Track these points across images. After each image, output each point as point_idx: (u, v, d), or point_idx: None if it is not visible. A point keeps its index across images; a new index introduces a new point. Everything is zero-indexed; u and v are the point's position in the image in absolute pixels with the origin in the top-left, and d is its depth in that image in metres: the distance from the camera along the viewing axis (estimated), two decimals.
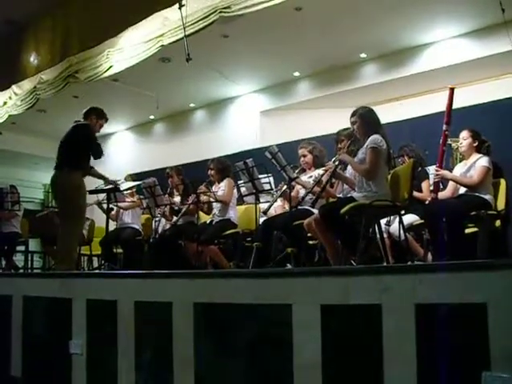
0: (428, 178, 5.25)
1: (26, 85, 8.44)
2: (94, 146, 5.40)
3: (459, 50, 7.52)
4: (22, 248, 8.34)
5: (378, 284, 2.47)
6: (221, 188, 6.13)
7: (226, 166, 6.28)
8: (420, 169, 5.26)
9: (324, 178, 4.52)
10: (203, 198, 6.18)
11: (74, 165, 5.24)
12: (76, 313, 3.85)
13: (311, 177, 5.32)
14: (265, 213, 5.82)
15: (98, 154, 5.42)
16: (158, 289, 3.40)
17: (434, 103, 6.61)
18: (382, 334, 2.38)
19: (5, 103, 8.83)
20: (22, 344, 4.35)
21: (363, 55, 8.26)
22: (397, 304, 2.38)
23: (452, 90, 4.73)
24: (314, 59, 8.38)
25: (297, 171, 5.39)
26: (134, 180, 6.85)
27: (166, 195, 6.60)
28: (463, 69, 7.55)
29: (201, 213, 6.54)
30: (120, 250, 7.27)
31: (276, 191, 5.74)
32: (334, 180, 4.79)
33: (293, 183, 5.33)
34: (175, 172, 6.82)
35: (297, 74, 9.00)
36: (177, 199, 6.69)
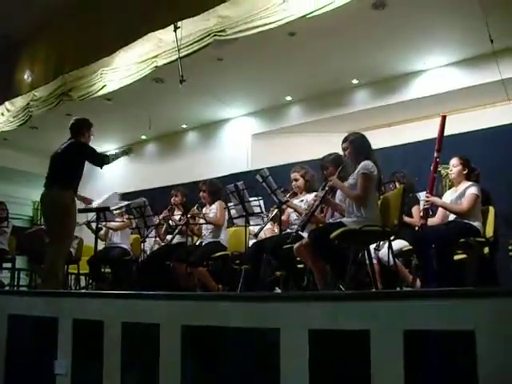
0: (418, 203, 5.28)
1: (19, 101, 8.46)
2: (95, 158, 5.40)
3: (449, 79, 7.62)
4: (9, 265, 8.26)
5: (366, 310, 2.47)
6: (212, 210, 6.13)
7: (218, 189, 6.29)
8: (411, 195, 5.29)
9: (314, 205, 4.54)
10: (195, 219, 6.20)
11: (66, 184, 5.20)
12: (62, 332, 3.81)
13: (302, 201, 5.34)
14: (256, 235, 5.82)
15: (101, 160, 5.42)
16: (145, 310, 3.38)
17: (424, 130, 6.67)
18: (370, 359, 2.37)
19: None
20: (5, 363, 4.27)
21: (355, 81, 8.33)
22: (385, 330, 2.38)
23: (444, 117, 4.78)
24: (306, 84, 8.45)
25: (288, 195, 5.40)
26: (122, 200, 6.83)
27: (161, 215, 6.60)
28: (453, 97, 7.64)
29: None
30: (108, 270, 7.23)
31: (267, 215, 5.76)
32: (323, 205, 4.80)
33: (284, 206, 5.35)
34: (181, 192, 6.83)
35: (289, 98, 9.07)
36: (176, 217, 6.68)
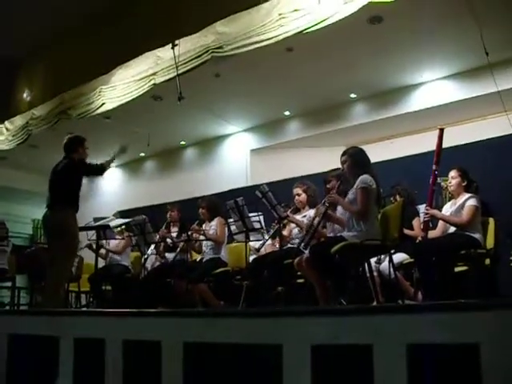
0: (419, 216, 5.29)
1: (18, 120, 8.48)
2: (92, 172, 5.41)
3: (446, 92, 7.66)
4: (9, 284, 8.23)
5: (368, 324, 2.46)
6: (212, 227, 6.13)
7: (217, 205, 6.29)
8: (411, 207, 5.30)
9: (315, 221, 4.55)
10: (196, 236, 6.19)
11: (67, 204, 5.21)
12: (63, 351, 3.78)
13: (305, 216, 5.35)
14: (258, 250, 5.82)
15: (99, 170, 5.44)
16: (146, 327, 3.36)
17: (423, 142, 6.68)
18: (374, 374, 2.36)
19: None
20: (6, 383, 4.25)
21: (353, 95, 8.37)
22: (388, 344, 2.37)
23: (442, 130, 4.81)
24: (304, 99, 8.48)
25: (289, 210, 5.42)
26: (121, 217, 6.83)
27: (160, 232, 6.59)
28: (451, 109, 7.67)
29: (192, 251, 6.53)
30: (109, 287, 7.21)
31: (267, 230, 5.76)
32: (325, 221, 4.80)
33: (285, 221, 5.36)
34: (176, 208, 6.84)
35: (287, 113, 9.09)
36: (173, 234, 6.67)
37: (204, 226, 6.28)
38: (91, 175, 5.40)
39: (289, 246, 5.40)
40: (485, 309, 2.21)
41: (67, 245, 5.15)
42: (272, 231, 5.67)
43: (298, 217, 5.41)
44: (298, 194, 5.52)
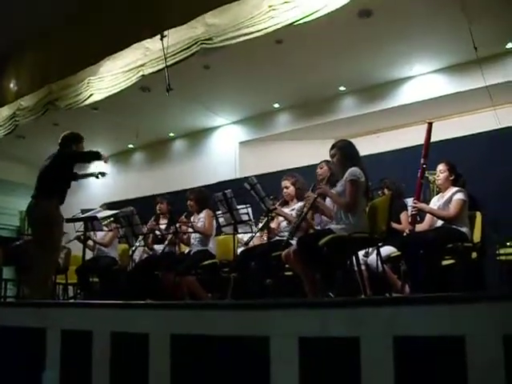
0: (406, 209, 5.31)
1: (5, 111, 8.40)
2: (82, 159, 5.45)
3: (435, 86, 7.70)
4: None
5: (356, 316, 2.47)
6: (200, 219, 6.12)
7: (205, 197, 6.27)
8: (399, 200, 5.32)
9: (305, 210, 4.55)
10: (184, 228, 6.18)
11: (51, 194, 5.19)
12: (50, 343, 3.77)
13: (293, 209, 5.36)
14: (246, 244, 5.81)
15: (91, 156, 5.47)
16: (134, 319, 3.35)
17: (411, 136, 6.71)
18: (361, 366, 2.37)
19: None
20: None
21: (342, 88, 8.38)
22: (375, 336, 2.38)
23: (430, 124, 4.83)
24: (293, 91, 8.48)
25: (278, 203, 5.42)
26: (108, 209, 6.81)
27: (148, 223, 6.58)
28: (439, 103, 7.71)
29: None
30: (96, 279, 7.18)
31: (255, 222, 5.76)
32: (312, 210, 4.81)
33: (273, 214, 5.36)
34: (166, 201, 6.82)
35: (276, 105, 9.09)
36: (162, 226, 6.66)
37: (192, 218, 6.26)
38: (84, 161, 5.40)
39: (277, 238, 5.40)
40: (471, 301, 2.23)
41: (51, 234, 5.12)
42: (261, 225, 5.67)
43: (287, 210, 5.41)
44: (287, 187, 5.52)
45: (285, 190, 5.53)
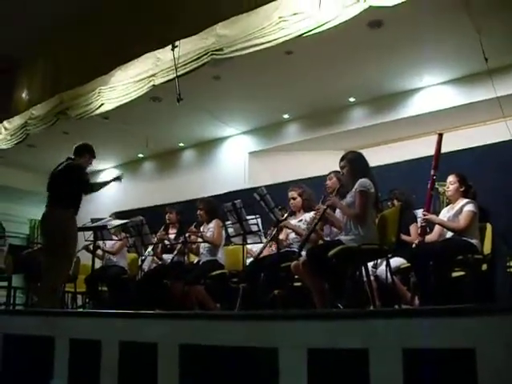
0: (416, 221, 5.29)
1: (17, 120, 8.46)
2: (82, 181, 5.43)
3: (445, 97, 7.67)
4: (5, 283, 8.22)
5: (365, 328, 2.46)
6: (210, 229, 6.13)
7: (215, 207, 6.28)
8: (408, 212, 5.30)
9: (314, 221, 4.55)
10: (193, 238, 6.18)
11: (66, 204, 5.20)
12: (58, 352, 3.77)
13: (301, 220, 5.35)
14: (258, 255, 5.78)
15: (86, 185, 5.46)
16: (143, 329, 3.35)
17: (422, 147, 6.69)
18: (370, 378, 2.36)
19: None
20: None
21: (352, 99, 8.37)
22: (384, 348, 2.36)
23: (441, 135, 4.82)
24: (303, 102, 8.48)
25: (286, 214, 5.41)
26: (118, 218, 6.83)
27: (158, 234, 6.58)
28: (450, 114, 7.68)
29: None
30: (105, 288, 7.19)
31: (264, 233, 5.76)
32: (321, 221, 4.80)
33: (281, 225, 5.36)
34: (175, 211, 6.83)
35: (286, 116, 9.10)
36: (171, 236, 6.67)
37: (202, 227, 6.27)
38: (79, 185, 5.39)
39: (286, 249, 5.39)
40: (481, 314, 2.21)
41: (66, 244, 5.13)
42: (269, 237, 5.65)
43: (294, 221, 5.41)
44: (294, 198, 5.52)
45: (291, 201, 5.52)
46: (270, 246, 6.02)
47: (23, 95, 8.31)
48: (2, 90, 8.51)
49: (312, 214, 5.25)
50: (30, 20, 7.04)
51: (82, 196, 5.39)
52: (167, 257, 6.65)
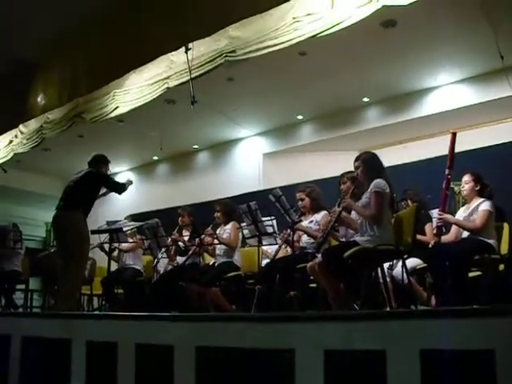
0: (431, 221, 5.24)
1: (32, 124, 8.53)
2: (112, 183, 5.51)
3: (460, 95, 7.61)
4: (22, 286, 8.29)
5: (382, 329, 2.45)
6: (226, 231, 6.13)
7: (233, 209, 6.27)
8: (423, 211, 5.26)
9: (330, 225, 4.53)
10: (209, 239, 6.18)
11: (77, 206, 5.24)
12: (75, 354, 3.80)
13: (312, 221, 5.34)
14: (274, 257, 5.78)
15: (120, 187, 5.51)
16: (159, 331, 3.36)
17: (436, 147, 6.64)
18: (387, 380, 2.34)
19: (10, 142, 8.89)
20: None
21: (366, 99, 8.34)
22: (401, 350, 2.35)
23: (454, 134, 4.77)
24: (317, 103, 8.47)
25: (297, 216, 5.40)
26: (133, 221, 6.86)
27: (172, 236, 6.60)
28: (465, 113, 7.63)
29: (205, 254, 6.54)
30: (121, 291, 7.23)
31: (279, 235, 5.75)
32: (337, 224, 4.78)
33: (294, 228, 5.34)
34: (187, 213, 6.84)
35: (300, 117, 9.09)
36: (185, 238, 6.67)
37: (219, 229, 6.28)
38: (111, 188, 5.45)
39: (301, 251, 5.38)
40: (499, 314, 2.19)
41: (78, 245, 5.16)
42: (283, 239, 5.64)
43: (305, 222, 5.39)
44: (302, 199, 5.49)
45: (300, 203, 5.50)
46: (286, 247, 6.01)
47: (38, 99, 8.38)
48: (17, 94, 8.58)
49: (323, 213, 5.24)
50: (44, 25, 7.10)
51: (93, 203, 5.43)
52: (180, 259, 6.66)
